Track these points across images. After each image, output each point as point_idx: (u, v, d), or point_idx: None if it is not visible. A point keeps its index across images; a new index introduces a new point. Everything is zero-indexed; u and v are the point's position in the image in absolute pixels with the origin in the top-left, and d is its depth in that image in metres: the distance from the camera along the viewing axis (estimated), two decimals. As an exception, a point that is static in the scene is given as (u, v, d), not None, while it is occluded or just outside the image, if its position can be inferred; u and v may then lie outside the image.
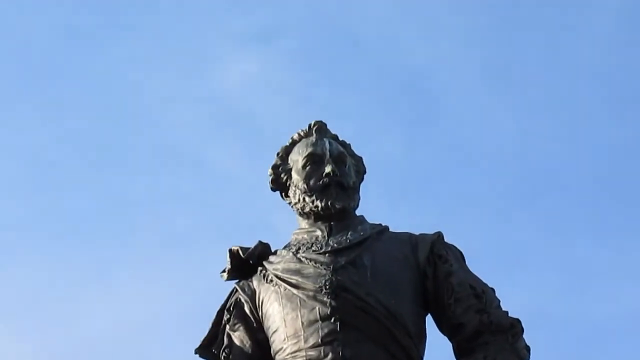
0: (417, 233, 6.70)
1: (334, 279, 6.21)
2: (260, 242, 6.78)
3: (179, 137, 16.45)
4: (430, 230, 6.71)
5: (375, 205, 7.61)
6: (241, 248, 6.73)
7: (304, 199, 6.78)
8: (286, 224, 7.25)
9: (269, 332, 6.41)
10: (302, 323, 6.19)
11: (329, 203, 6.63)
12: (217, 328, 6.67)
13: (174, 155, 16.22)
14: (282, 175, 6.96)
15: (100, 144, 16.31)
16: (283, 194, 7.00)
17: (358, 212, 6.88)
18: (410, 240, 6.58)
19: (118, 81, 17.16)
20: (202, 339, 6.69)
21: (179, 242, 16.12)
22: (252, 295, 6.58)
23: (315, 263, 6.37)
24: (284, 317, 6.29)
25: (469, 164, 16.27)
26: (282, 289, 6.39)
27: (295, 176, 6.89)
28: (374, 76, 16.66)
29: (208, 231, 15.59)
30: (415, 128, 17.53)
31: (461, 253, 6.64)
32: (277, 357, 6.35)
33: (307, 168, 6.84)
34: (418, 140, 17.51)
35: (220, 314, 6.66)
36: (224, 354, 6.49)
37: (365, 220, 6.78)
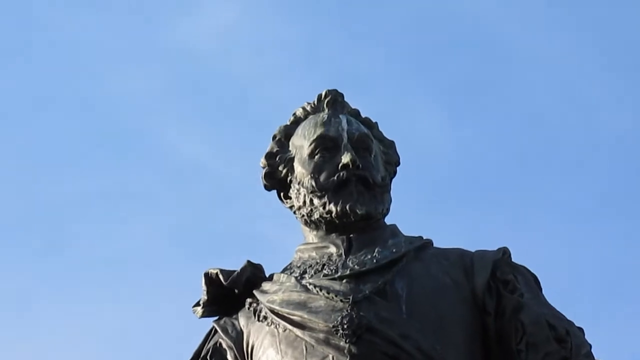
0: (472, 250, 5.16)
1: (354, 316, 4.72)
2: (249, 262, 5.20)
3: (127, 114, 13.68)
4: (487, 244, 5.25)
5: (408, 208, 5.94)
6: (222, 271, 5.18)
7: (311, 201, 5.26)
8: (285, 236, 6.05)
9: None
10: None
11: (348, 207, 5.11)
12: None
13: (122, 141, 13.49)
14: (280, 168, 5.44)
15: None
16: (281, 194, 5.44)
17: (389, 220, 5.30)
18: (463, 260, 5.08)
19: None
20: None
21: (123, 258, 13.38)
22: (238, 338, 5.07)
23: (328, 293, 4.88)
24: None
25: (548, 153, 13.51)
26: (280, 330, 4.89)
27: (299, 169, 5.37)
28: (404, 27, 13.53)
29: (169, 244, 12.91)
30: (465, 98, 13.83)
31: (535, 277, 5.07)
32: None
33: (317, 157, 5.32)
34: (468, 116, 13.84)
35: None
36: None
37: (399, 232, 5.22)
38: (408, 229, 5.27)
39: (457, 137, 13.52)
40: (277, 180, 5.42)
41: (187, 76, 13.88)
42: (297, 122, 5.51)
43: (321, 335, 4.73)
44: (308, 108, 5.50)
